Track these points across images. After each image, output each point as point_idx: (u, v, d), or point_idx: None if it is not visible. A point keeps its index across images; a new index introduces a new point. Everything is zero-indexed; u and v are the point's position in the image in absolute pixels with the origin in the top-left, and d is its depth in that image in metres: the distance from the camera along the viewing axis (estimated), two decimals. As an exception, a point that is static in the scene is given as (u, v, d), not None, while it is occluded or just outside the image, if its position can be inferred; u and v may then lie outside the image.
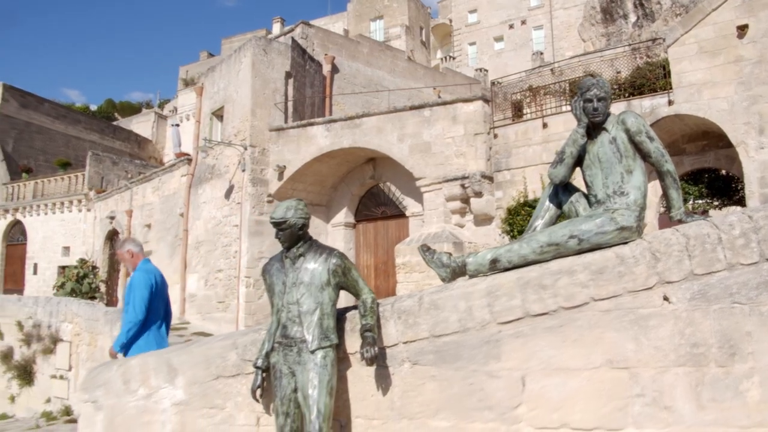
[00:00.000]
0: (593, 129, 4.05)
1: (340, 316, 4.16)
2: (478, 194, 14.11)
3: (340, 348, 4.06)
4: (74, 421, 11.05)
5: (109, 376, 5.26)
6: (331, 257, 3.91)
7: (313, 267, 3.90)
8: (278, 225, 3.90)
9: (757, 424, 3.36)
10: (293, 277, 3.91)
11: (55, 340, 16.62)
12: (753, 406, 3.37)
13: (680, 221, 3.89)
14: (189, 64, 64.71)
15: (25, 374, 17.25)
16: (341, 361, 4.10)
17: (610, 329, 3.60)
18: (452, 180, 14.29)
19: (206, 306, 17.84)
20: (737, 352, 3.42)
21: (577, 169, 4.24)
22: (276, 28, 52.04)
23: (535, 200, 13.24)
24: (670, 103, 12.51)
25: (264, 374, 4.12)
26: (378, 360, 3.94)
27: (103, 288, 23.87)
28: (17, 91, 33.61)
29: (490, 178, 14.34)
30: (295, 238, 3.93)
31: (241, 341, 4.52)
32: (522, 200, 13.71)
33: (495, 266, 4.02)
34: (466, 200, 14.41)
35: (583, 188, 4.26)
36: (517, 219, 13.49)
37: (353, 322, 4.13)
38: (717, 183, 13.82)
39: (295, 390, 3.83)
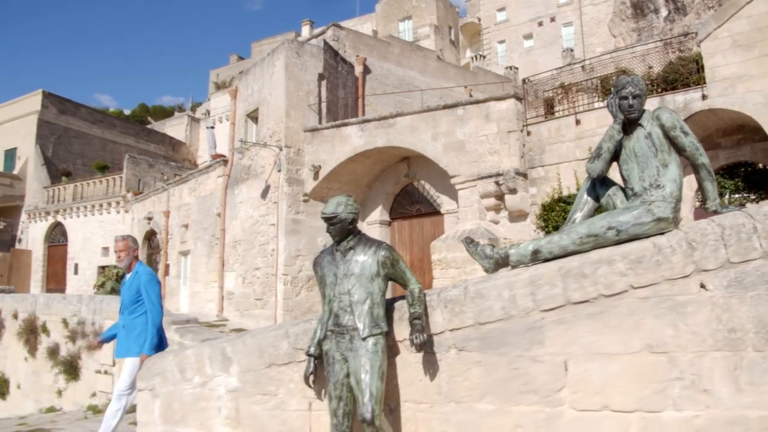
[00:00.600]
0: (629, 125, 4.22)
1: (389, 305, 4.36)
2: (513, 191, 14.24)
3: (389, 336, 4.26)
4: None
5: (164, 366, 5.53)
6: (380, 249, 4.12)
7: (363, 259, 4.11)
8: (329, 220, 4.12)
9: (795, 406, 3.49)
10: (344, 268, 4.12)
11: (99, 336, 17.12)
12: (791, 390, 3.50)
13: (716, 212, 4.04)
14: (219, 67, 65.44)
15: (71, 369, 17.78)
16: (390, 348, 4.30)
17: (648, 315, 3.75)
18: (486, 177, 14.43)
19: (244, 303, 18.20)
20: (774, 336, 3.55)
21: (614, 163, 4.41)
22: (305, 30, 52.43)
23: (570, 196, 13.34)
24: (704, 97, 12.51)
25: (316, 361, 4.35)
26: (426, 347, 4.14)
27: (141, 287, 24.42)
28: (56, 98, 34.52)
29: (524, 175, 14.46)
30: (345, 232, 4.16)
31: (292, 331, 4.75)
32: (556, 196, 13.80)
33: (536, 257, 4.21)
34: (500, 197, 14.54)
35: (620, 182, 4.43)
36: (552, 215, 13.59)
37: (401, 311, 4.34)
38: (754, 177, 13.73)
39: (348, 375, 4.05)
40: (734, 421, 3.54)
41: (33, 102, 33.89)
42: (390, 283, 4.25)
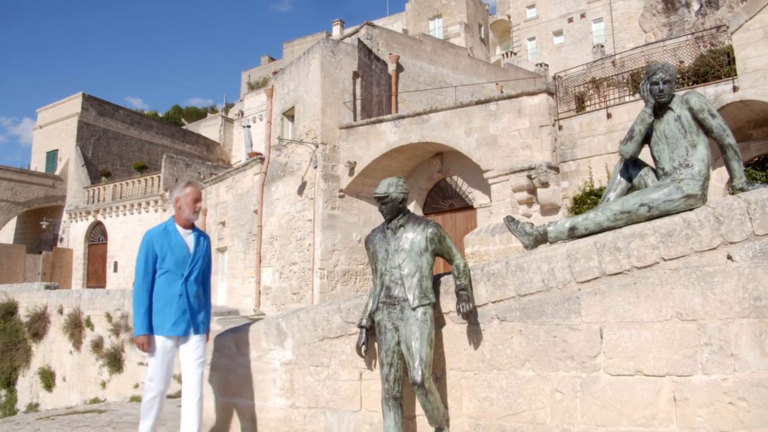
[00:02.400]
0: (659, 109, 4.51)
1: (435, 280, 4.69)
2: (545, 184, 14.46)
3: (435, 308, 4.59)
4: (169, 396, 11.87)
5: (222, 342, 5.94)
6: (428, 227, 4.46)
7: (413, 236, 4.45)
8: (381, 199, 4.47)
9: (818, 368, 3.76)
10: (395, 245, 4.46)
11: (142, 329, 17.65)
12: (813, 353, 3.76)
13: (742, 189, 4.31)
14: (251, 68, 66.25)
15: (115, 362, 18.38)
16: (436, 320, 4.62)
17: (678, 285, 4.03)
18: (519, 171, 14.68)
19: (281, 297, 18.64)
20: (798, 304, 3.81)
21: (645, 146, 4.69)
22: (336, 30, 52.88)
23: (601, 189, 13.54)
24: (735, 89, 12.61)
25: (367, 333, 4.70)
26: (470, 318, 4.47)
27: (180, 283, 24.98)
28: (95, 100, 35.46)
29: (556, 169, 14.67)
30: (396, 210, 4.50)
31: (344, 306, 5.11)
32: (588, 189, 13.99)
33: (573, 233, 4.52)
34: (532, 191, 14.77)
35: (651, 164, 4.71)
36: (584, 208, 13.78)
37: (447, 284, 4.67)
38: (785, 168, 13.78)
39: (399, 343, 4.38)
40: (760, 384, 3.80)
41: (73, 104, 34.87)
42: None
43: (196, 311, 5.02)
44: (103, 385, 19.29)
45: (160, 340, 4.87)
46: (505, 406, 4.42)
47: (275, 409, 5.38)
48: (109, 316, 19.55)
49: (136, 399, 15.53)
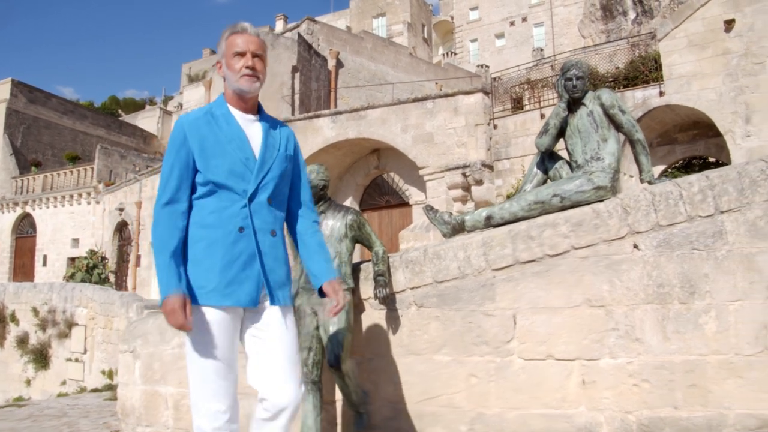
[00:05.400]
0: (573, 104, 4.67)
1: (355, 267, 4.74)
2: (479, 182, 14.71)
3: (355, 293, 4.65)
4: (96, 390, 11.66)
5: (146, 329, 5.86)
6: (348, 214, 4.51)
7: (333, 222, 4.50)
8: (302, 185, 4.50)
9: (714, 351, 3.95)
10: (316, 231, 4.51)
11: (70, 324, 17.20)
12: (710, 337, 3.96)
13: (649, 182, 4.51)
14: (192, 61, 65.25)
15: (41, 358, 17.84)
16: (356, 306, 4.67)
17: (588, 273, 4.19)
18: (454, 169, 14.90)
19: (216, 292, 18.38)
20: (696, 290, 4.01)
21: (561, 140, 4.86)
22: (279, 25, 52.31)
23: (533, 188, 13.85)
24: (662, 94, 13.10)
25: None
26: (389, 304, 4.54)
27: (112, 278, 24.43)
28: (25, 87, 34.22)
29: (490, 167, 14.94)
30: (317, 197, 4.53)
31: (267, 293, 5.12)
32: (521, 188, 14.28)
33: (489, 222, 4.65)
34: (467, 188, 15.01)
35: (567, 157, 4.88)
36: (516, 206, 14.05)
37: (366, 271, 4.72)
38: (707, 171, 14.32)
39: (317, 327, 4.41)
40: (661, 366, 4.00)
41: (1, 90, 33.57)
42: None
43: (273, 263, 2.78)
44: (28, 382, 18.69)
45: (208, 314, 2.63)
46: (422, 391, 4.50)
47: (196, 396, 5.34)
48: (35, 311, 18.96)
49: (63, 395, 15.12)
